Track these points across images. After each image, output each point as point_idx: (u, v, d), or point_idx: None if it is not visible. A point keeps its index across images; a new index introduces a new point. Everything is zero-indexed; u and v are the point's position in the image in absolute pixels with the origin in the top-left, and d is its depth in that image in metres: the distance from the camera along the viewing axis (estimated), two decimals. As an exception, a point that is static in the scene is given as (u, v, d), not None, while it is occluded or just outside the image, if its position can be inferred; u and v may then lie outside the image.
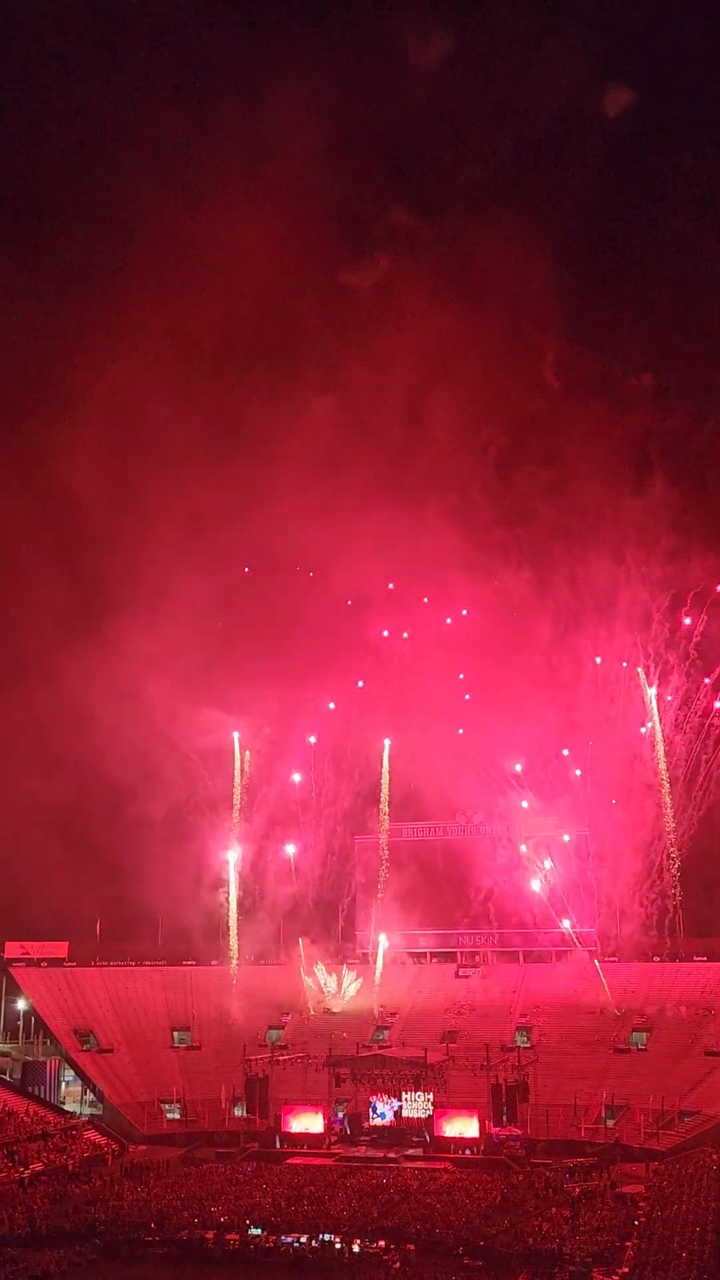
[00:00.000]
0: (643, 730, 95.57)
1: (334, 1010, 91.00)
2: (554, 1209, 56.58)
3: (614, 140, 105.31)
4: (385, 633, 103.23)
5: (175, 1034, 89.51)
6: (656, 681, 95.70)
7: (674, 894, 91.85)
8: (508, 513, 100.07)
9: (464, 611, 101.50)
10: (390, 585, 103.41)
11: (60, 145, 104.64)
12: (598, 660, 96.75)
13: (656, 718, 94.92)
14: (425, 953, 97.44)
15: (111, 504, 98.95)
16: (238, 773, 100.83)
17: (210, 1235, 53.59)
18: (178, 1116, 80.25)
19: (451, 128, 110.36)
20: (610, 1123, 73.32)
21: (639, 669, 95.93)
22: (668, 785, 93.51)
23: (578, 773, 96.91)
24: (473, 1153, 70.17)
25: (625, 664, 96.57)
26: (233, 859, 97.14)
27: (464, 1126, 71.44)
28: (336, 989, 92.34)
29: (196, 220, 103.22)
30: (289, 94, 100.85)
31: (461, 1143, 71.08)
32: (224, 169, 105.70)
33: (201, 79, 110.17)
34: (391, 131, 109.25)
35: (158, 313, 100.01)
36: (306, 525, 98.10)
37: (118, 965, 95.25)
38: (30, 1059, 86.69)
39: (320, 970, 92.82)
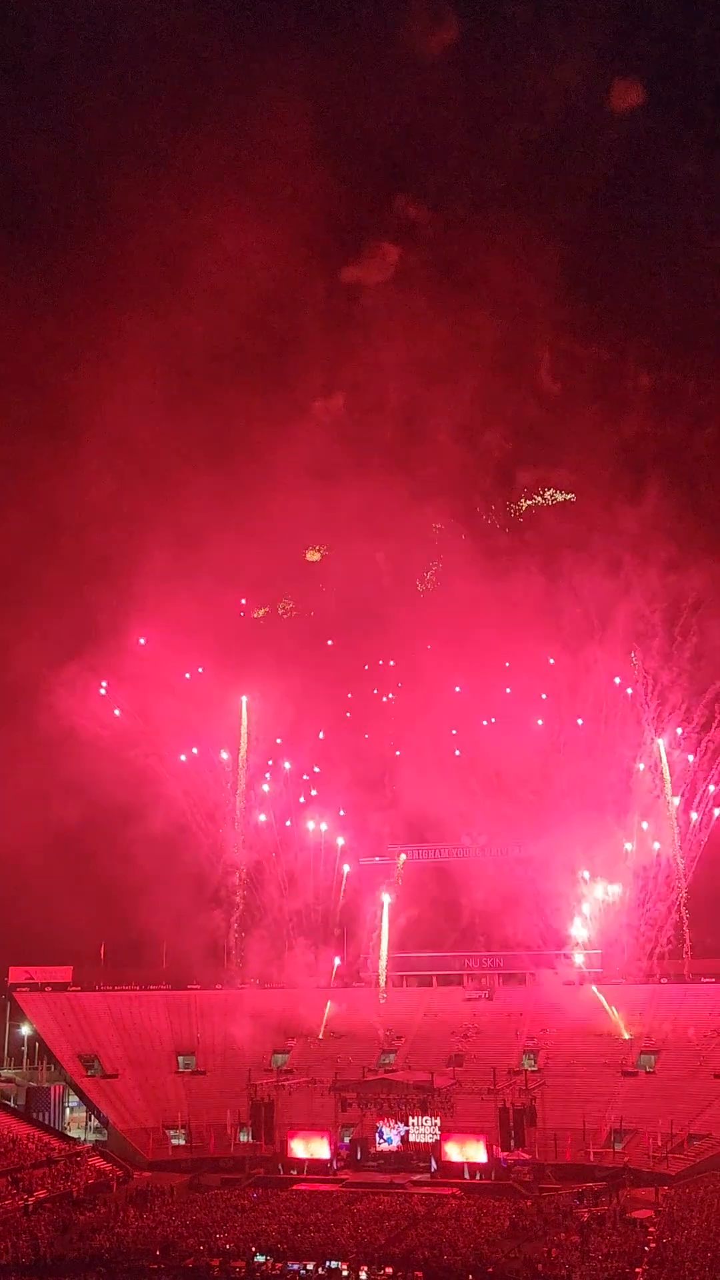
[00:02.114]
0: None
1: None
2: (563, 1235, 56.05)
3: (621, 139, 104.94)
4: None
5: (180, 1059, 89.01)
6: (655, 697, 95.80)
7: (680, 915, 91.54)
8: (508, 522, 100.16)
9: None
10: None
11: (49, 152, 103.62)
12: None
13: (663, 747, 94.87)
14: (431, 976, 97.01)
15: (109, 523, 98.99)
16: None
17: (216, 1263, 53.07)
18: (183, 1142, 79.76)
19: (453, 125, 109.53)
20: (619, 1147, 72.81)
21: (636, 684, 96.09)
22: (671, 804, 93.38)
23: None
24: (480, 1178, 69.54)
25: (618, 680, 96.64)
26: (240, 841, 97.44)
27: (471, 1151, 70.78)
28: None
29: (189, 226, 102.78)
30: (283, 92, 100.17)
31: (469, 1168, 70.44)
32: (215, 170, 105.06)
33: (194, 77, 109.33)
34: (390, 130, 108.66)
35: (150, 322, 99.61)
36: (307, 534, 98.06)
37: (122, 990, 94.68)
38: (34, 1085, 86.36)
39: None
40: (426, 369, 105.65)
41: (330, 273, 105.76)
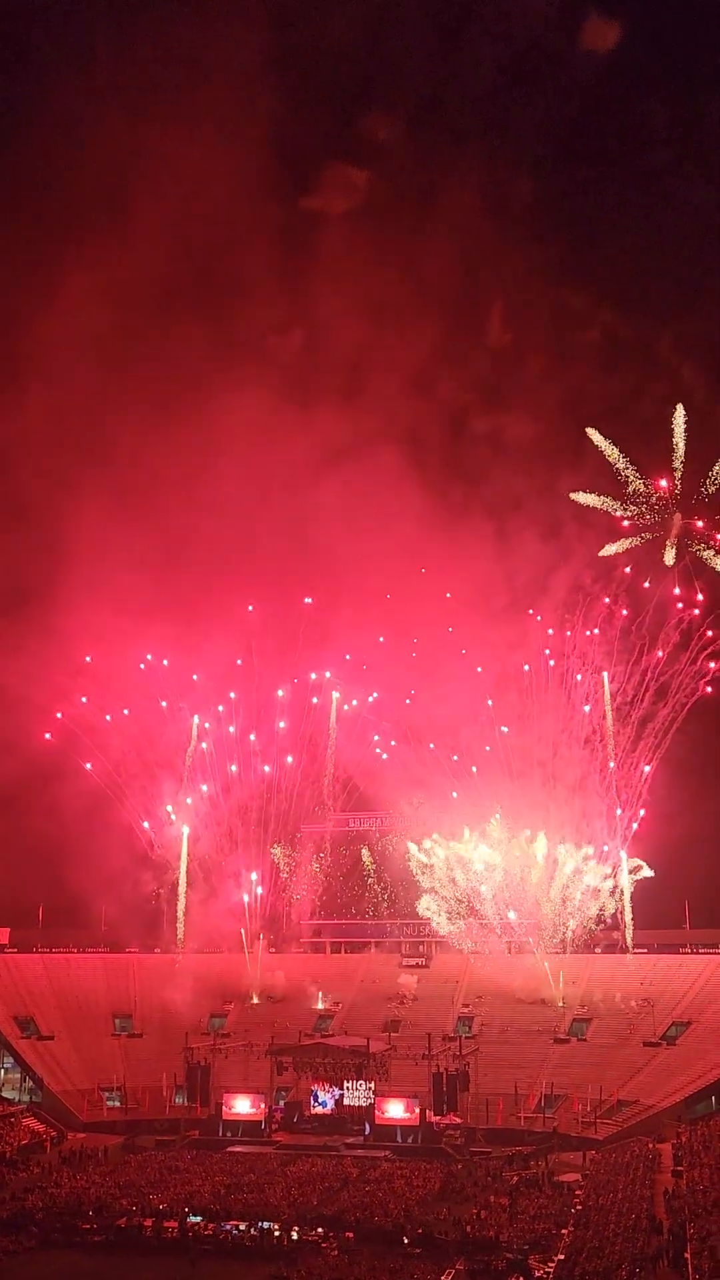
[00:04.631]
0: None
1: None
2: (492, 1197, 57.11)
3: (593, 78, 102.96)
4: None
5: (117, 1021, 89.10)
6: (599, 674, 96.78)
7: (617, 888, 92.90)
8: (451, 485, 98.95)
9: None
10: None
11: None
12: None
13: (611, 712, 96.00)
14: (369, 942, 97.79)
15: (41, 471, 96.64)
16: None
17: (149, 1223, 53.47)
18: (118, 1104, 79.81)
19: (419, 44, 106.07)
20: (549, 1112, 74.06)
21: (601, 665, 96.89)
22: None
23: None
24: (412, 1141, 70.45)
25: (549, 651, 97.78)
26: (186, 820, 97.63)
27: (404, 1115, 71.58)
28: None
29: (133, 145, 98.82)
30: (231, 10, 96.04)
31: (402, 1131, 71.27)
32: (160, 85, 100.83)
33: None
34: (351, 47, 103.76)
35: (92, 253, 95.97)
36: (252, 487, 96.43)
37: (60, 952, 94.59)
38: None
39: None
40: (383, 308, 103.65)
41: (285, 200, 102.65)
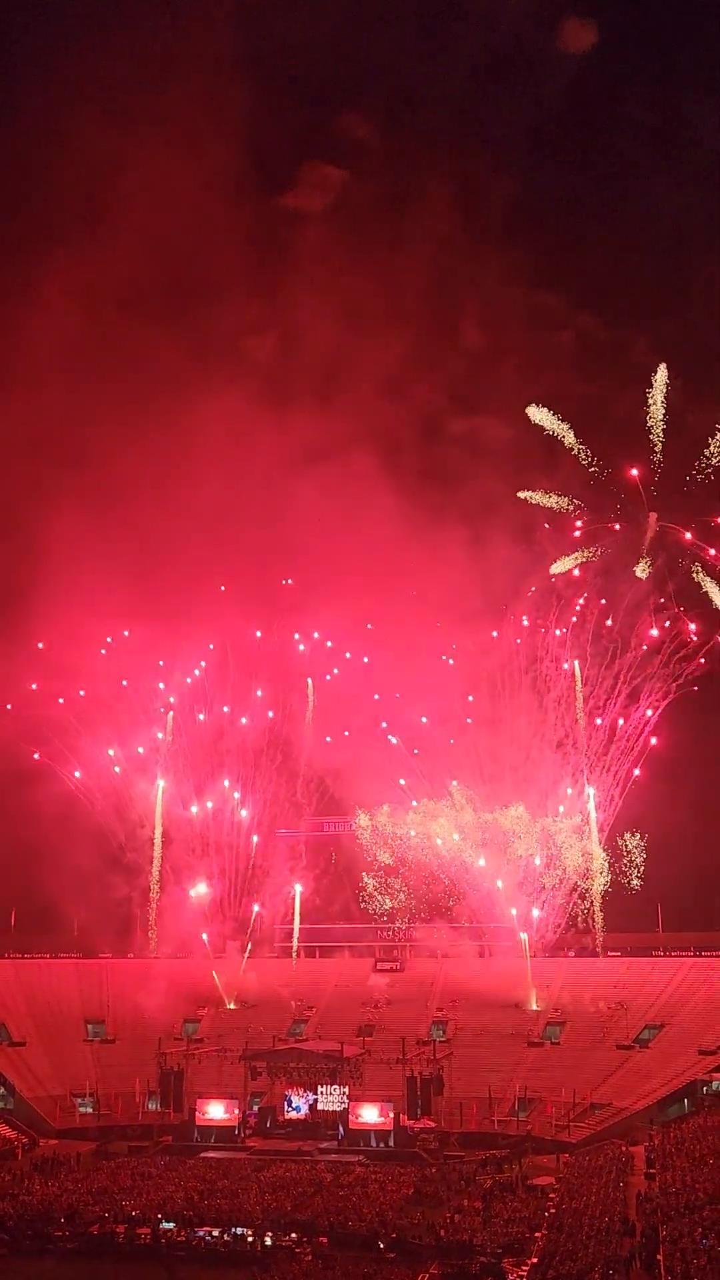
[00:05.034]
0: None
1: None
2: (466, 1201, 57.07)
3: (571, 78, 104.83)
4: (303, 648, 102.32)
5: (89, 1027, 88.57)
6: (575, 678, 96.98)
7: (590, 891, 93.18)
8: (427, 488, 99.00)
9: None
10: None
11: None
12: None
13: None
14: (344, 946, 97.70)
15: (26, 479, 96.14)
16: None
17: (121, 1229, 53.10)
18: (90, 1110, 79.38)
19: (395, 43, 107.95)
20: (523, 1115, 74.22)
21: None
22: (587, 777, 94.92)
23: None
24: (386, 1145, 70.34)
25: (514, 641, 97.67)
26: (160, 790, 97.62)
27: (378, 1119, 71.48)
28: None
29: (108, 148, 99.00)
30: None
31: (376, 1135, 71.15)
32: (133, 85, 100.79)
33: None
34: (324, 52, 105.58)
35: (68, 256, 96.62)
36: (228, 489, 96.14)
37: (32, 957, 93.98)
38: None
39: None
40: (358, 310, 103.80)
41: (261, 201, 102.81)
